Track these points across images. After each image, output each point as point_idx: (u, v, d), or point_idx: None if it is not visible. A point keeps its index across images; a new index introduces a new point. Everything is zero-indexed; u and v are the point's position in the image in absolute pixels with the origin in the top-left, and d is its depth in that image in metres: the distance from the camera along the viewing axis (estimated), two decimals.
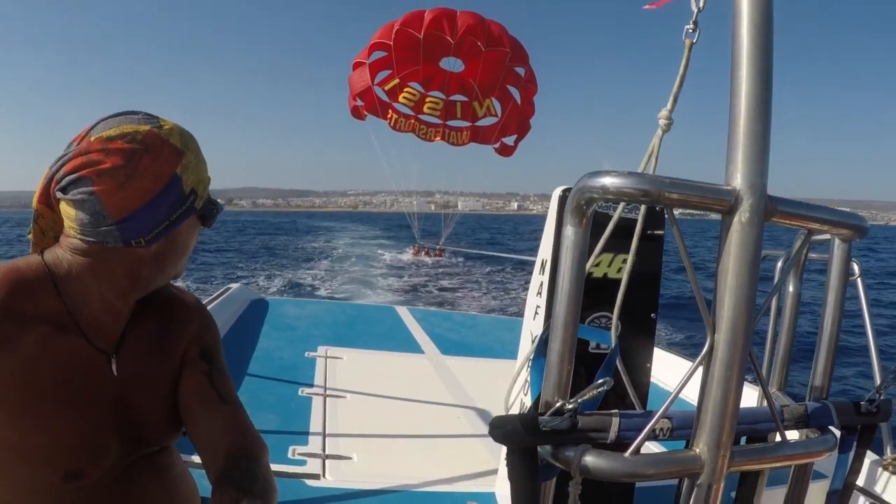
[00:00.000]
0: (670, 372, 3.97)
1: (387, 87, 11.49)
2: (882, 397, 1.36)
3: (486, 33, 11.44)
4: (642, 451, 1.01)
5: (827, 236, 1.29)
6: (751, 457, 1.08)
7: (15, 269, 1.13)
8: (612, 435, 1.03)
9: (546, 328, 1.08)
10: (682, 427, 1.07)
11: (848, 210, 1.20)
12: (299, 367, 4.24)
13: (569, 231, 0.99)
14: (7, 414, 1.07)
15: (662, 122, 1.31)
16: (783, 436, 1.15)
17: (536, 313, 2.13)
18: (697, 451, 0.98)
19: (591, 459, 0.98)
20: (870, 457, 2.71)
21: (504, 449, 1.07)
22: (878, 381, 2.36)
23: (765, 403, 1.18)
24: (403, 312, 6.94)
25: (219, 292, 5.88)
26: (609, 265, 1.93)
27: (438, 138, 11.27)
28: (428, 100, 11.46)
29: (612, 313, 1.60)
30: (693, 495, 0.99)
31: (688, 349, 4.69)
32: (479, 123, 11.64)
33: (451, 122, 11.53)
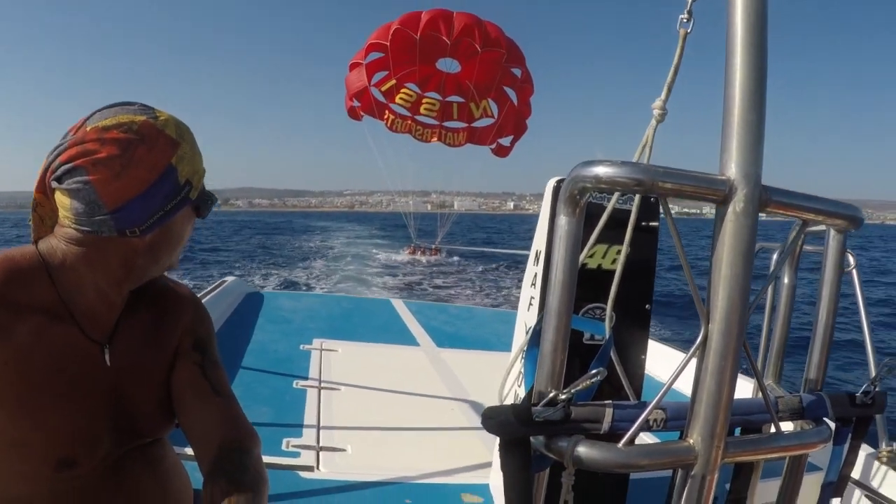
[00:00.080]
0: (665, 364, 3.98)
1: (383, 88, 11.49)
2: (877, 389, 1.36)
3: (482, 34, 11.45)
4: (637, 442, 1.01)
5: (822, 227, 1.29)
6: (745, 448, 1.08)
7: (9, 259, 1.13)
8: (606, 426, 1.02)
9: (540, 319, 1.08)
10: (676, 418, 1.07)
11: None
12: (294, 359, 4.25)
13: (562, 221, 0.99)
14: (0, 403, 1.07)
15: (656, 112, 1.31)
16: (777, 427, 1.15)
17: (531, 304, 2.13)
18: (691, 441, 0.98)
19: (584, 450, 0.97)
20: (865, 449, 2.72)
21: (498, 441, 1.07)
22: (872, 372, 2.36)
23: (759, 395, 1.18)
24: (399, 305, 6.94)
25: (214, 285, 5.89)
26: (603, 256, 1.93)
27: (435, 139, 11.28)
28: (425, 101, 11.47)
29: (606, 304, 1.60)
30: (687, 486, 0.99)
31: (679, 345, 4.71)
32: (475, 124, 11.66)
33: (447, 123, 11.54)
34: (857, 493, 2.60)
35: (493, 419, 1.01)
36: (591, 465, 0.97)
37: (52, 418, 1.10)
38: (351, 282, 23.36)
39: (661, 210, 1.05)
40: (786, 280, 1.51)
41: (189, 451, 1.21)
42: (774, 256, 1.72)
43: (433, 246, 31.42)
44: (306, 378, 3.86)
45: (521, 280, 2.40)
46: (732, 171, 0.93)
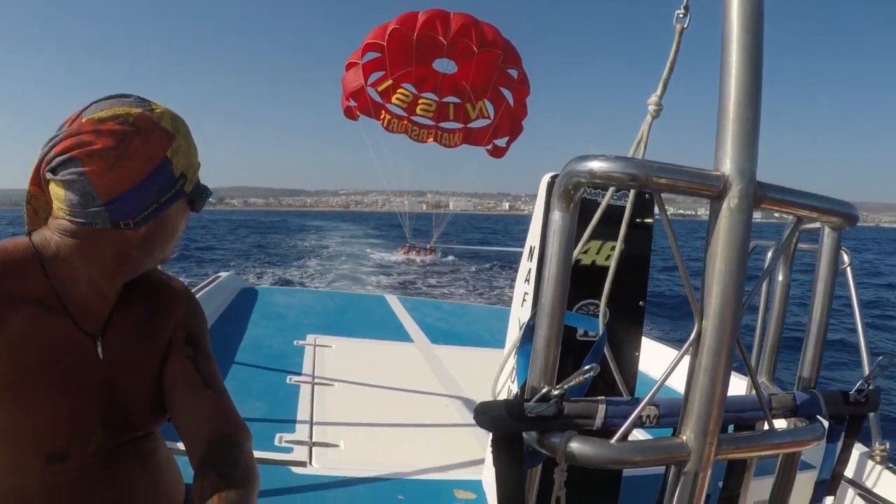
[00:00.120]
0: (659, 361, 3.98)
1: (380, 88, 11.49)
2: (871, 387, 1.36)
3: (479, 35, 11.44)
4: (630, 438, 1.00)
5: (817, 225, 1.29)
6: (738, 445, 1.08)
7: (2, 250, 1.13)
8: (599, 421, 1.02)
9: (533, 314, 1.08)
10: (669, 414, 1.06)
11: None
12: (288, 355, 4.25)
13: (556, 216, 0.98)
14: None
15: (652, 108, 1.31)
16: (771, 424, 1.15)
17: (524, 300, 2.13)
18: (684, 438, 0.97)
19: (576, 446, 0.97)
20: (859, 448, 2.73)
21: (491, 436, 1.06)
22: (866, 371, 2.36)
23: (753, 392, 1.18)
24: (393, 301, 6.95)
25: (208, 280, 5.89)
26: (597, 252, 1.93)
27: (431, 140, 11.28)
28: (421, 101, 11.47)
29: (600, 301, 1.60)
30: (680, 483, 0.99)
31: (673, 343, 4.73)
32: (471, 125, 11.66)
33: (443, 124, 11.54)
34: (851, 491, 2.60)
35: (486, 414, 1.01)
36: (583, 461, 0.97)
37: (44, 410, 1.10)
38: (345, 280, 23.40)
39: (656, 206, 1.04)
40: (780, 277, 1.50)
41: (181, 445, 1.21)
42: (769, 254, 1.72)
43: (428, 246, 31.45)
44: (300, 374, 3.85)
45: (514, 280, 2.40)
46: (727, 166, 0.93)
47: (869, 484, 2.64)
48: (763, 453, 1.15)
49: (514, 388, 1.66)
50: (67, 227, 1.13)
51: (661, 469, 1.04)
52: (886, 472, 2.63)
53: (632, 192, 1.54)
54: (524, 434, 1.02)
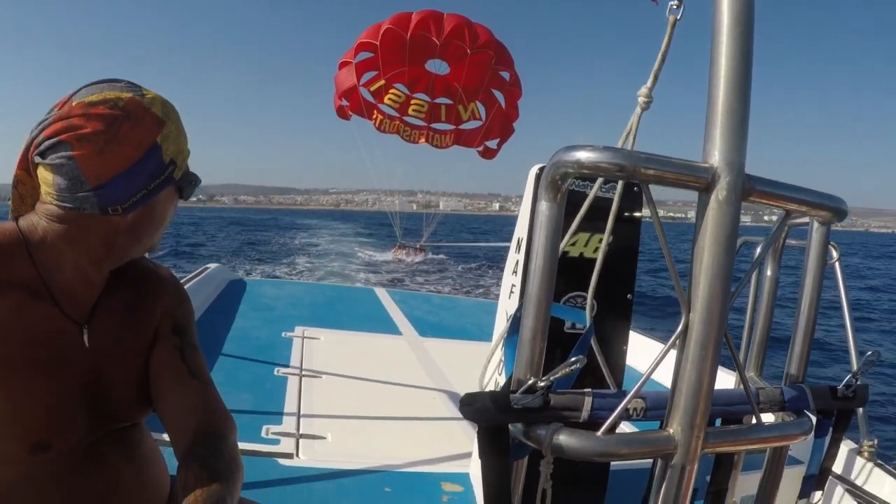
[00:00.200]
0: (647, 355, 3.99)
1: (372, 88, 11.47)
2: (858, 382, 1.36)
3: (472, 36, 11.43)
4: (618, 431, 1.00)
5: (806, 219, 1.28)
6: (725, 438, 1.07)
7: None
8: (585, 414, 1.02)
9: (520, 306, 1.07)
10: (656, 407, 1.06)
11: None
12: (276, 346, 4.25)
13: (543, 206, 0.98)
14: None
15: (642, 100, 1.30)
16: (758, 418, 1.15)
17: (512, 292, 2.13)
18: (671, 431, 0.97)
19: (563, 438, 0.97)
20: (847, 444, 2.74)
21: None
22: (854, 366, 2.37)
23: (741, 386, 1.17)
24: (382, 294, 6.96)
25: (197, 271, 5.88)
26: (585, 245, 1.92)
27: (423, 140, 11.28)
28: (413, 102, 11.45)
29: (587, 293, 1.59)
30: (667, 476, 0.98)
31: (662, 337, 4.76)
32: (463, 126, 11.65)
33: (435, 125, 11.53)
34: (839, 487, 2.61)
35: (471, 406, 1.00)
36: (569, 454, 0.96)
37: (28, 397, 1.09)
38: (334, 278, 23.49)
39: (644, 198, 1.04)
40: (769, 272, 1.50)
41: (167, 437, 1.20)
42: (758, 249, 1.72)
43: (417, 245, 31.50)
44: (287, 365, 3.85)
45: (501, 278, 2.40)
46: (716, 158, 0.92)
47: (857, 479, 2.65)
48: (750, 447, 1.15)
49: (502, 380, 1.65)
50: (55, 213, 1.12)
51: (649, 462, 1.04)
52: (874, 468, 2.64)
53: (620, 185, 1.54)
54: (510, 426, 1.01)
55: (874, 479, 2.61)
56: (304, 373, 3.71)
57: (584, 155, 0.92)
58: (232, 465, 1.11)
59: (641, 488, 1.16)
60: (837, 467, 2.68)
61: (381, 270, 27.18)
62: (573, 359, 0.94)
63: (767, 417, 1.22)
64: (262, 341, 4.34)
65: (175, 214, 1.30)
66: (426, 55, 11.77)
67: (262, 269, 26.57)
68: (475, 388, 1.63)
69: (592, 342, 1.52)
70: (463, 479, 2.54)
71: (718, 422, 1.18)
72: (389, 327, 5.32)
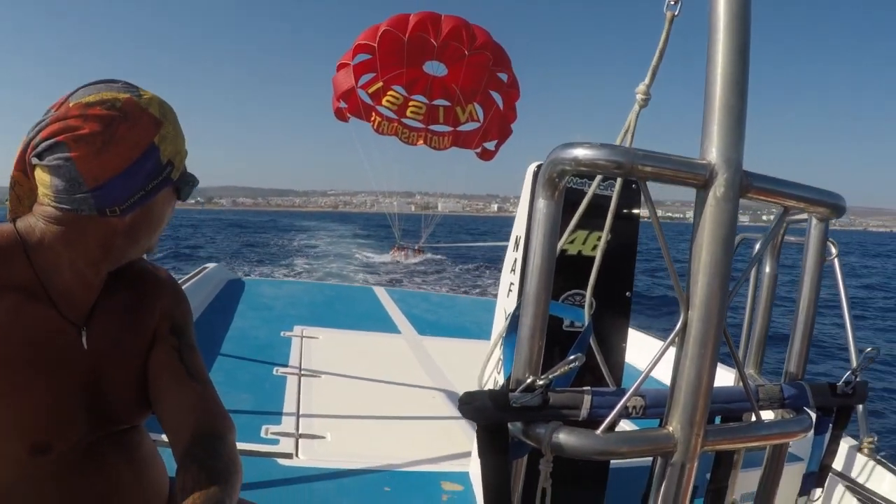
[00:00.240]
0: (646, 353, 3.99)
1: (370, 90, 11.47)
2: (858, 379, 1.36)
3: (469, 37, 11.44)
4: (617, 430, 1.00)
5: (804, 216, 1.28)
6: (725, 436, 1.07)
7: None
8: (585, 412, 1.01)
9: (519, 304, 1.07)
10: (656, 405, 1.06)
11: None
12: (275, 346, 4.25)
13: (540, 204, 0.97)
14: None
15: (640, 97, 1.29)
16: (758, 415, 1.14)
17: (510, 290, 2.13)
18: (670, 429, 0.97)
19: (562, 437, 0.96)
20: (847, 441, 2.73)
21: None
22: (854, 362, 2.37)
23: (740, 383, 1.17)
24: (381, 293, 6.95)
25: (195, 271, 5.88)
26: (584, 243, 1.92)
27: (421, 142, 11.29)
28: (411, 104, 11.46)
29: (586, 291, 1.59)
30: (667, 474, 0.98)
31: (661, 334, 4.79)
32: (461, 128, 11.66)
33: (433, 127, 11.54)
34: (839, 484, 2.61)
35: (470, 404, 1.00)
36: (569, 452, 0.96)
37: (27, 399, 1.08)
38: (333, 279, 23.60)
39: (642, 195, 1.04)
40: (767, 269, 1.50)
41: (166, 438, 1.20)
42: (756, 246, 1.72)
43: (416, 247, 31.55)
44: (286, 365, 3.85)
45: (498, 278, 2.40)
46: (713, 155, 0.92)
47: (857, 476, 2.65)
48: (750, 444, 1.15)
49: (501, 379, 1.65)
50: (52, 214, 1.11)
51: (649, 460, 1.03)
52: (874, 465, 2.64)
53: (618, 182, 1.53)
54: (509, 425, 1.01)
55: (874, 476, 2.61)
56: (303, 372, 3.70)
57: (581, 152, 0.91)
58: (230, 466, 1.11)
59: (641, 486, 1.16)
60: (837, 464, 2.68)
61: (380, 271, 27.30)
62: (572, 357, 0.94)
63: (767, 415, 1.21)
64: (260, 341, 4.34)
65: (173, 216, 1.30)
66: (424, 57, 11.78)
67: (260, 270, 26.68)
68: (474, 387, 1.63)
69: (591, 340, 1.52)
70: (463, 478, 2.54)
71: (718, 419, 1.17)
72: (388, 326, 5.32)
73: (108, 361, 1.20)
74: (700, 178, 0.92)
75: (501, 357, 1.59)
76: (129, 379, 1.23)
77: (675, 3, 1.25)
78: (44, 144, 1.07)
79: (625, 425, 1.85)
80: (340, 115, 11.95)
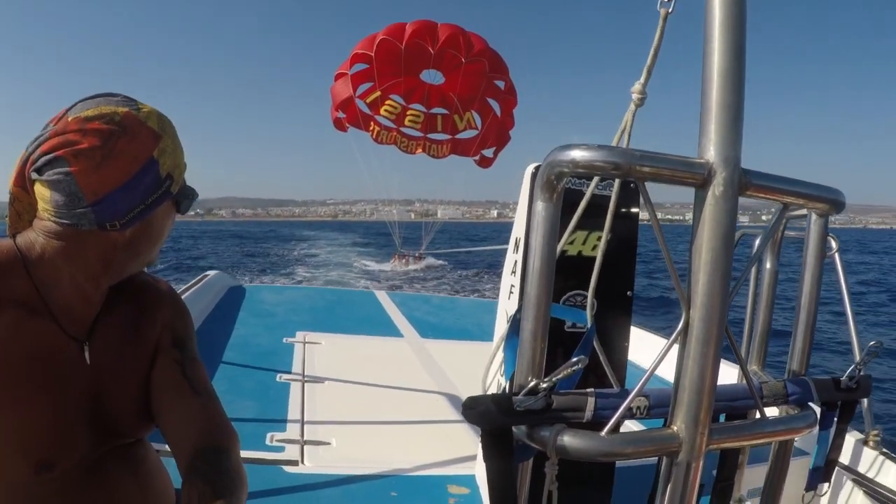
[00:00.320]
0: (648, 351, 3.98)
1: (368, 100, 11.49)
2: (861, 373, 1.36)
3: (466, 45, 11.45)
4: (622, 430, 0.99)
5: (804, 212, 1.28)
6: (730, 434, 1.07)
7: None
8: (589, 414, 1.01)
9: (520, 307, 1.07)
10: (660, 405, 1.05)
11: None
12: (277, 353, 4.24)
13: (539, 206, 0.97)
14: None
15: (635, 96, 1.29)
16: (762, 412, 1.14)
17: (511, 292, 2.13)
18: (675, 429, 0.97)
19: (567, 439, 0.96)
20: (852, 434, 2.73)
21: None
22: (857, 356, 2.36)
23: (743, 381, 1.17)
24: (382, 297, 6.95)
25: (196, 279, 5.87)
26: (583, 243, 1.92)
27: (420, 151, 11.30)
28: (409, 112, 11.47)
29: (587, 292, 1.58)
30: (672, 474, 0.98)
31: (663, 332, 4.81)
32: (459, 136, 11.67)
33: (431, 135, 11.55)
34: (846, 478, 2.60)
35: (474, 409, 1.00)
36: (573, 455, 0.96)
37: (30, 415, 1.08)
38: (333, 286, 23.70)
39: (641, 197, 1.03)
40: (768, 265, 1.50)
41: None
42: (756, 242, 1.71)
43: (417, 254, 31.59)
44: (290, 371, 3.85)
45: (498, 282, 2.40)
46: (711, 154, 0.92)
47: (863, 470, 2.64)
48: (755, 442, 1.15)
49: (504, 382, 1.65)
50: (52, 229, 1.11)
51: (654, 459, 1.03)
52: (880, 458, 2.64)
53: (616, 182, 1.53)
54: (514, 428, 1.01)
55: (881, 469, 2.61)
56: (306, 378, 3.70)
57: (578, 154, 0.91)
58: (235, 478, 1.10)
59: (647, 486, 1.16)
60: (844, 458, 2.67)
61: (380, 278, 27.43)
62: (575, 359, 0.94)
63: (771, 411, 1.21)
64: (263, 348, 4.33)
65: (173, 229, 1.29)
66: (421, 65, 11.80)
67: (261, 279, 26.78)
68: (478, 390, 1.63)
69: (594, 341, 1.52)
70: (469, 481, 2.53)
71: (722, 417, 1.17)
72: (390, 330, 5.32)
73: (111, 376, 1.19)
74: (698, 178, 0.92)
75: (503, 360, 1.59)
76: (132, 393, 1.22)
77: (669, 0, 1.24)
78: (43, 159, 1.07)
79: (630, 424, 1.85)
80: (339, 124, 11.96)
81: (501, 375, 1.83)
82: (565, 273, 1.81)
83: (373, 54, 11.40)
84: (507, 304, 2.20)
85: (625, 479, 2.11)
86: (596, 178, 1.57)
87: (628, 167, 0.90)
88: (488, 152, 11.53)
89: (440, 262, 32.78)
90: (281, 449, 2.71)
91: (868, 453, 2.68)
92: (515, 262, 2.12)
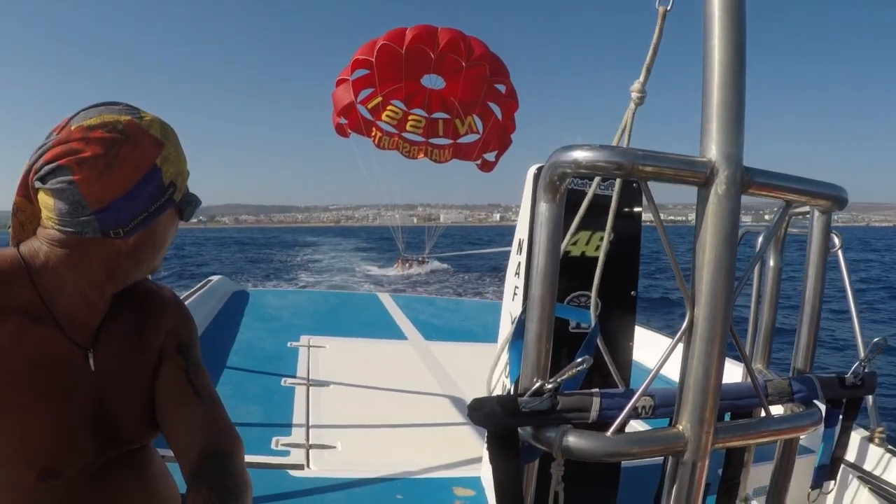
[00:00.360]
0: (653, 351, 3.98)
1: (370, 105, 11.50)
2: (866, 370, 1.35)
3: (467, 49, 11.46)
4: (627, 430, 0.99)
5: (807, 209, 1.28)
6: (735, 433, 1.07)
7: None
8: (594, 414, 1.01)
9: (524, 308, 1.06)
10: (665, 405, 1.05)
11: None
12: (282, 357, 4.25)
13: (542, 207, 0.97)
14: None
15: (635, 95, 1.28)
16: (767, 411, 1.14)
17: (515, 294, 2.13)
18: (680, 428, 0.97)
19: (572, 440, 0.96)
20: (858, 431, 2.72)
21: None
22: (861, 353, 2.36)
23: (748, 379, 1.17)
24: (386, 299, 6.95)
25: (199, 284, 5.88)
26: (587, 243, 1.92)
27: (422, 156, 11.31)
28: (410, 118, 11.48)
29: (591, 292, 1.58)
30: (678, 473, 0.98)
31: (667, 332, 4.81)
32: (460, 140, 11.68)
33: (433, 140, 11.56)
34: (851, 475, 2.60)
35: (479, 411, 1.00)
36: (580, 455, 0.96)
37: (35, 423, 1.08)
38: (337, 291, 23.81)
39: (643, 197, 1.03)
40: (771, 263, 1.50)
41: None
42: (759, 240, 1.71)
43: (420, 258, 31.65)
44: (294, 375, 3.85)
45: (501, 287, 2.40)
46: (713, 152, 0.92)
47: (869, 467, 2.64)
48: (761, 440, 1.14)
49: (509, 383, 1.65)
50: (56, 237, 1.11)
51: (660, 458, 1.03)
52: (886, 455, 2.63)
53: (618, 181, 1.53)
54: (519, 429, 1.01)
55: (887, 466, 2.60)
56: (311, 382, 3.70)
57: (581, 154, 0.91)
58: (240, 484, 1.10)
59: (653, 485, 1.16)
60: (849, 455, 2.67)
61: (383, 282, 27.53)
62: (580, 359, 0.94)
63: (777, 409, 1.21)
64: (267, 352, 4.33)
65: (176, 236, 1.30)
66: (422, 70, 11.81)
67: (265, 285, 26.86)
68: (483, 391, 1.63)
69: (598, 340, 1.52)
70: (475, 483, 2.53)
71: (728, 416, 1.17)
72: (395, 332, 5.32)
73: (115, 383, 1.19)
74: (701, 176, 0.92)
75: (508, 361, 1.59)
76: (136, 399, 1.23)
77: None
78: (46, 168, 1.07)
79: (634, 424, 1.85)
80: (341, 130, 11.98)
81: (506, 377, 1.83)
82: (569, 273, 1.81)
83: (373, 60, 11.41)
84: (511, 306, 2.20)
85: (630, 479, 2.11)
86: (598, 178, 1.57)
87: (631, 167, 0.90)
88: (490, 156, 11.54)
89: (443, 265, 32.86)
90: (286, 453, 2.71)
91: (874, 450, 2.67)
92: (519, 263, 2.12)
